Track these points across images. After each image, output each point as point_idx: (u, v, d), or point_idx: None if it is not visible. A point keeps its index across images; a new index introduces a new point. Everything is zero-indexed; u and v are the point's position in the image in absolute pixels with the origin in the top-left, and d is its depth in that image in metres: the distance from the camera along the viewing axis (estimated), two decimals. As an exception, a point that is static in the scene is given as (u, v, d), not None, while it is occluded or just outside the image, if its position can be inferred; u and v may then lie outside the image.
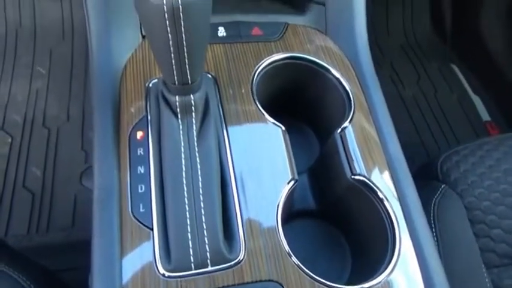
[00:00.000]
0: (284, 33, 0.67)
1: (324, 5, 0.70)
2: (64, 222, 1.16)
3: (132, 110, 0.56)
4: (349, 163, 0.55)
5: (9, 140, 1.30)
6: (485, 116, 1.61)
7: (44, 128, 1.33)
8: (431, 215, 0.69)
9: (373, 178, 0.54)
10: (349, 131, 0.58)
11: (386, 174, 0.55)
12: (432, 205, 0.69)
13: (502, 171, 0.72)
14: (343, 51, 0.68)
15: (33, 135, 1.32)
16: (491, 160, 0.74)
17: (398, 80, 1.68)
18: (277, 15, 0.70)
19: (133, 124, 0.54)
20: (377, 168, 0.55)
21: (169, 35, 0.40)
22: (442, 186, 0.72)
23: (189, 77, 0.46)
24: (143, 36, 0.63)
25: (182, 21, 0.39)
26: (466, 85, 1.69)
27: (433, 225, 0.68)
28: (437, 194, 0.71)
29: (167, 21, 0.39)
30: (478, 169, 0.73)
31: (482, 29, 1.65)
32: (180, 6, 0.38)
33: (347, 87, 0.62)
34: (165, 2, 0.37)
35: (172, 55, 0.43)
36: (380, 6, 1.78)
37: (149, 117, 0.54)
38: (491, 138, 0.80)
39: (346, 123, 0.59)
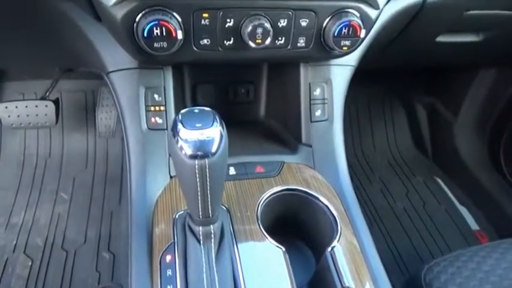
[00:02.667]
0: (281, 169, 0.84)
1: (311, 146, 0.89)
2: None
3: (162, 237, 0.69)
4: (339, 278, 0.66)
5: (30, 263, 1.38)
6: (473, 225, 1.69)
7: (63, 251, 1.42)
8: (419, 323, 0.77)
9: None
10: (338, 249, 0.70)
11: (370, 284, 0.66)
12: (419, 314, 0.78)
13: (477, 279, 0.82)
14: (328, 181, 0.84)
15: (52, 257, 1.40)
16: (467, 271, 0.84)
17: (388, 194, 1.81)
18: (275, 156, 0.88)
19: (164, 249, 0.67)
20: (362, 280, 0.66)
21: (197, 183, 0.56)
22: (427, 296, 0.81)
23: (210, 212, 0.60)
24: (171, 177, 0.80)
25: (208, 174, 0.55)
26: (452, 197, 1.81)
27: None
28: (423, 303, 0.80)
29: (197, 175, 0.54)
30: (456, 279, 0.83)
31: (457, 144, 1.84)
32: (207, 165, 0.54)
33: (334, 213, 0.76)
34: (196, 163, 0.54)
35: (199, 197, 0.58)
36: (366, 128, 2.02)
37: (176, 244, 0.67)
38: (467, 250, 0.91)
39: (335, 243, 0.71)
